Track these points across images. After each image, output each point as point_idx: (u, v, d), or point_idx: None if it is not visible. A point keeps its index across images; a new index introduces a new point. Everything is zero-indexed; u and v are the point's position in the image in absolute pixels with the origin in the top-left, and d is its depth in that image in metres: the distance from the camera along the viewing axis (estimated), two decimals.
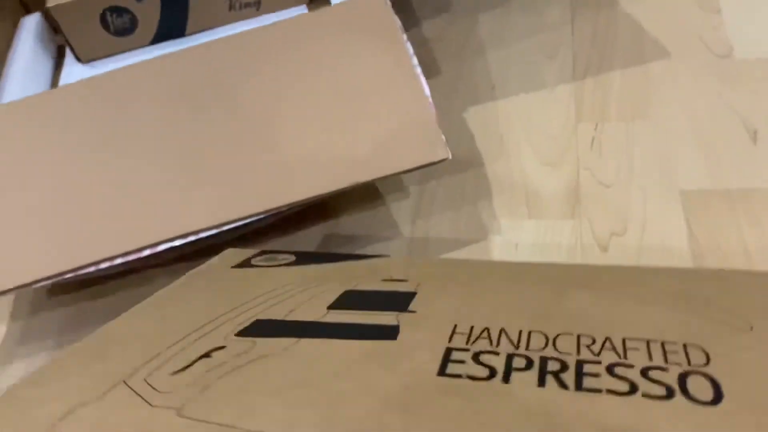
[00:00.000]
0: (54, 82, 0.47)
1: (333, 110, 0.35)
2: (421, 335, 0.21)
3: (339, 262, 0.29)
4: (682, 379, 0.18)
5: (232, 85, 0.36)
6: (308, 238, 0.38)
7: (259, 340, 0.21)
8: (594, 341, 0.20)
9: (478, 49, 0.48)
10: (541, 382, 0.18)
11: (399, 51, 0.36)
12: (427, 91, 0.35)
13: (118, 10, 0.45)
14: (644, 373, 0.18)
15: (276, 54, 0.37)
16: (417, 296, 0.24)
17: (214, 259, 0.30)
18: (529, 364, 0.19)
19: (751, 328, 0.20)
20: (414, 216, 0.38)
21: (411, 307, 0.23)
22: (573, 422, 0.16)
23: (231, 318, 0.23)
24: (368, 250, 0.36)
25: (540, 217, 0.36)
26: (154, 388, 0.19)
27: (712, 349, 0.19)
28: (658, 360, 0.19)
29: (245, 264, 0.29)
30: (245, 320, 0.23)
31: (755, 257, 0.32)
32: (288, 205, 0.32)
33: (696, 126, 0.38)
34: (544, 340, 0.20)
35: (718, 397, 0.17)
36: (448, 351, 0.20)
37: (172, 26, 0.46)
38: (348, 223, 0.39)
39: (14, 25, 0.49)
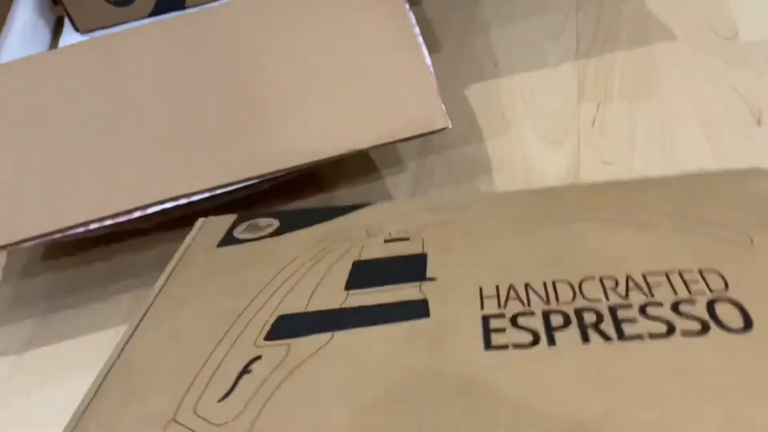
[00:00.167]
0: None
1: (331, 77, 0.34)
2: (452, 307, 0.21)
3: (324, 222, 0.28)
4: (711, 309, 0.19)
5: (230, 50, 0.35)
6: None
7: (293, 342, 0.21)
8: (617, 283, 0.21)
9: (482, 28, 0.46)
10: (585, 338, 0.19)
11: (400, 19, 0.34)
12: (428, 60, 0.33)
13: None
14: (675, 308, 0.19)
15: (275, 19, 0.35)
16: (429, 258, 0.24)
17: (193, 238, 0.29)
18: (567, 320, 0.20)
19: (752, 241, 0.22)
20: (412, 191, 0.37)
21: (429, 273, 0.23)
22: (627, 374, 0.18)
23: (249, 318, 0.23)
24: None
25: None
26: (209, 422, 0.19)
27: (726, 271, 0.20)
28: (682, 293, 0.20)
29: (230, 240, 0.28)
30: (266, 318, 0.22)
31: None
32: (282, 170, 0.32)
33: (699, 107, 0.38)
34: (570, 290, 0.21)
35: (748, 323, 0.18)
36: (485, 320, 0.20)
37: None
38: (344, 196, 0.38)
39: None
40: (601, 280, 0.21)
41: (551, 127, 0.40)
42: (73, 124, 0.35)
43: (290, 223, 0.28)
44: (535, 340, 0.19)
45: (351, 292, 0.23)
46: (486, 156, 0.39)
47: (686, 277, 0.21)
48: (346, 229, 0.27)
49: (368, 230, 0.27)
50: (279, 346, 0.21)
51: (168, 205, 0.33)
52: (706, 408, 0.16)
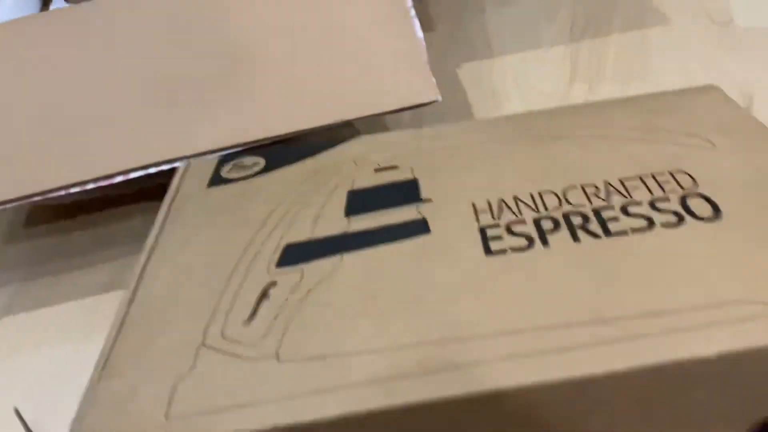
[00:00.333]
0: None
1: (319, 45, 0.34)
2: (450, 223, 0.23)
3: (310, 157, 0.29)
4: (684, 203, 0.21)
5: (218, 16, 0.35)
6: None
7: (305, 267, 0.22)
8: (598, 189, 0.23)
9: (477, 8, 0.46)
10: (575, 238, 0.21)
11: None
12: (419, 32, 0.33)
13: None
14: (652, 205, 0.22)
15: None
16: (420, 183, 0.25)
17: (179, 181, 0.29)
18: (556, 224, 0.22)
19: (713, 144, 0.24)
20: None
21: (423, 196, 0.24)
22: (618, 264, 0.20)
23: (257, 250, 0.24)
24: None
25: None
26: (238, 342, 0.20)
27: (693, 171, 0.23)
28: (657, 192, 0.22)
29: (219, 180, 0.29)
30: (274, 248, 0.24)
31: None
32: (267, 138, 0.32)
33: None
34: (556, 199, 0.23)
35: (717, 213, 0.21)
36: (482, 230, 0.22)
37: None
38: None
39: None
40: (583, 188, 0.23)
41: (542, 106, 0.40)
42: (56, 87, 0.34)
43: (276, 160, 0.29)
44: (530, 244, 0.21)
45: (352, 218, 0.24)
46: None
47: (659, 178, 0.23)
48: (333, 162, 0.28)
49: (356, 161, 0.28)
50: (292, 272, 0.22)
51: (151, 171, 0.33)
52: (687, 288, 0.18)
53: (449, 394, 0.17)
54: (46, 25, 0.36)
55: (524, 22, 0.46)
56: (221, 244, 0.25)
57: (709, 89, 0.28)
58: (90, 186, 0.32)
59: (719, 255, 0.19)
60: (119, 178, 0.33)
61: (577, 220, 0.22)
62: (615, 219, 0.21)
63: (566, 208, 0.22)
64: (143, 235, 0.37)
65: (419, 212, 0.24)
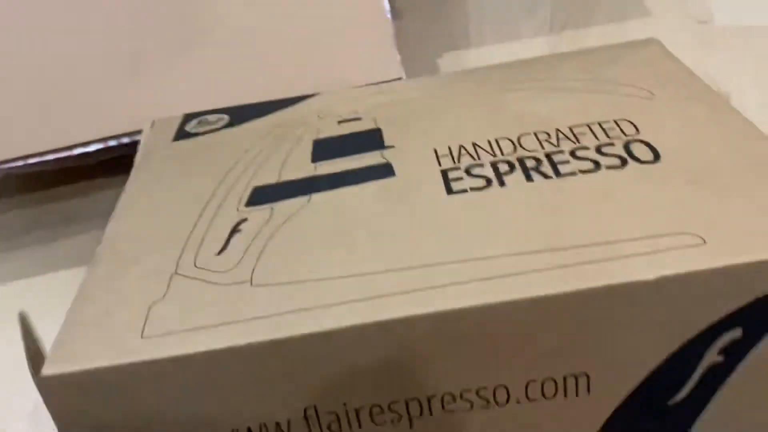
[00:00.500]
0: None
1: (284, 18, 0.33)
2: (413, 167, 0.24)
3: (274, 112, 0.30)
4: (627, 148, 0.23)
5: None
6: None
7: (274, 205, 0.23)
8: (549, 135, 0.25)
9: (456, 1, 0.45)
10: (529, 178, 0.23)
11: None
12: (388, 9, 0.33)
13: None
14: (598, 150, 0.23)
15: None
16: (384, 132, 0.26)
17: (147, 138, 0.30)
18: (512, 167, 0.23)
19: (653, 95, 0.26)
20: None
21: (386, 143, 0.26)
22: (568, 201, 0.21)
23: (225, 193, 0.25)
24: None
25: None
26: (211, 270, 0.21)
27: (635, 120, 0.25)
28: (603, 138, 0.24)
29: (184, 134, 0.29)
30: (242, 191, 0.24)
31: None
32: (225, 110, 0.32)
33: None
34: (511, 145, 0.24)
35: (657, 157, 0.23)
36: (444, 173, 0.24)
37: None
38: None
39: None
40: (535, 135, 0.25)
41: None
42: (12, 55, 0.34)
43: (240, 116, 0.30)
44: (488, 184, 0.23)
45: (318, 164, 0.25)
46: None
47: (604, 126, 0.25)
48: (298, 115, 0.29)
49: (319, 115, 0.29)
50: (262, 210, 0.23)
51: (111, 143, 0.32)
52: (630, 221, 0.20)
53: (419, 313, 0.18)
54: None
55: (504, 13, 0.46)
56: (189, 187, 0.25)
57: (649, 42, 0.30)
58: (50, 157, 0.32)
59: (658, 194, 0.21)
60: (78, 150, 0.32)
61: (530, 163, 0.23)
62: (565, 162, 0.23)
63: (520, 152, 0.24)
64: (110, 211, 0.37)
65: (383, 157, 0.25)
